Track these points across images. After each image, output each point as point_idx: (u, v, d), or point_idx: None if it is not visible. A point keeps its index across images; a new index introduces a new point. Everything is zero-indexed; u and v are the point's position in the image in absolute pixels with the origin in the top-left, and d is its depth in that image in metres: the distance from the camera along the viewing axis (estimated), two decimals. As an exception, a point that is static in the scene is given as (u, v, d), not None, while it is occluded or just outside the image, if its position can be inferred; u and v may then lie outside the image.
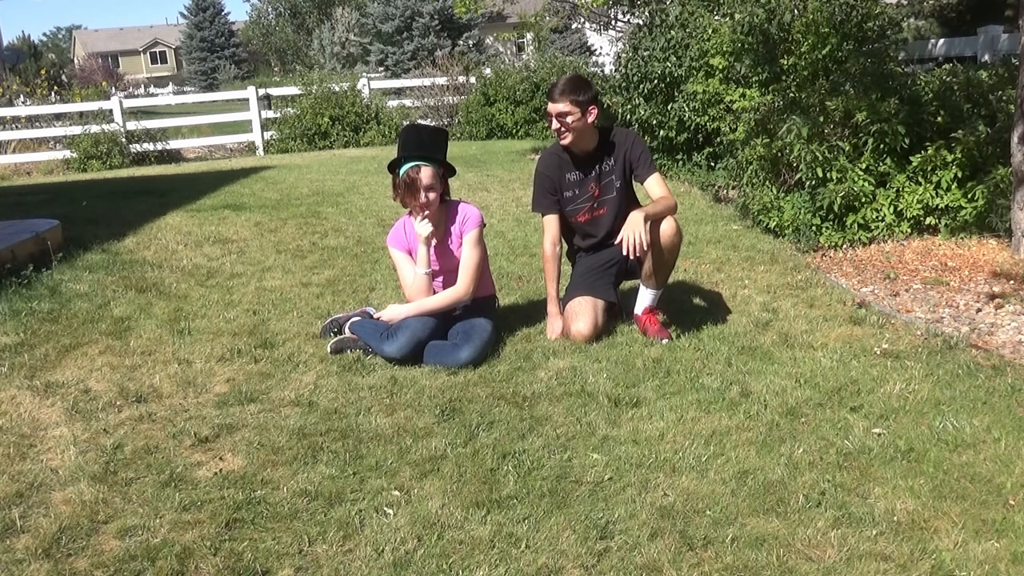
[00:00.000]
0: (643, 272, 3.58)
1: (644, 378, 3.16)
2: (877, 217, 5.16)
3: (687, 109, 7.71)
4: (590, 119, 3.57)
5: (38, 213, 6.30)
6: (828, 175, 5.14)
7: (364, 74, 20.59)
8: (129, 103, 14.91)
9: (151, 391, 3.18)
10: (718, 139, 7.37)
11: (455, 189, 7.48)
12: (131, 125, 12.52)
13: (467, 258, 3.54)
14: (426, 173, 3.43)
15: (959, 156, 5.01)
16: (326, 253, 5.23)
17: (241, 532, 2.24)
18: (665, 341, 3.51)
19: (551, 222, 3.70)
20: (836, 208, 5.08)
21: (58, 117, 14.38)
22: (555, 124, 3.55)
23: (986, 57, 8.22)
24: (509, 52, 22.20)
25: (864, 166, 5.20)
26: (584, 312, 3.57)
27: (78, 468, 2.58)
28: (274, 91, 14.41)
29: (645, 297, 3.62)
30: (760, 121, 5.94)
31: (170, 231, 5.89)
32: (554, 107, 3.52)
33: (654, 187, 3.59)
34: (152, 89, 36.64)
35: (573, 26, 21.78)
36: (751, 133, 5.96)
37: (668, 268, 3.57)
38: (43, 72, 26.40)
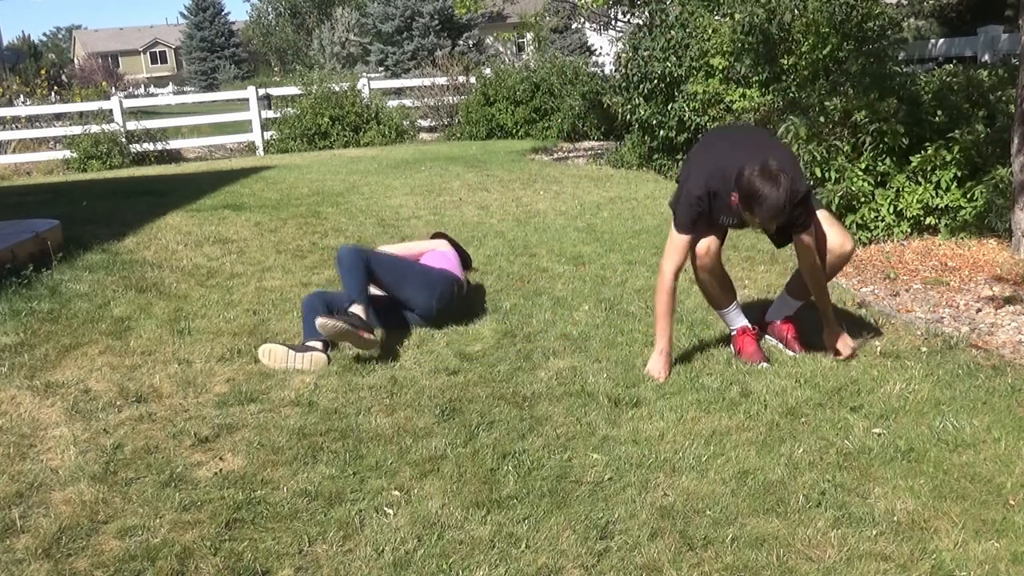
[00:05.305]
0: (792, 283, 3.46)
1: (644, 378, 3.16)
2: (877, 217, 5.16)
3: (687, 109, 7.71)
4: None
5: (38, 213, 6.28)
6: (826, 175, 5.14)
7: (364, 74, 20.58)
8: (129, 103, 14.89)
9: (151, 391, 3.18)
10: (718, 139, 7.36)
11: (455, 189, 7.54)
12: (131, 125, 12.50)
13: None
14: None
15: (958, 156, 5.01)
16: (326, 253, 5.22)
17: (241, 532, 2.24)
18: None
19: (686, 244, 3.22)
20: (835, 208, 5.08)
21: (58, 117, 14.37)
22: (767, 225, 3.17)
23: (986, 57, 8.22)
24: (509, 52, 22.23)
25: (863, 166, 5.20)
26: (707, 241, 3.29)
27: (78, 468, 2.58)
28: (274, 91, 14.39)
29: (787, 307, 3.49)
30: (760, 121, 5.94)
31: (170, 231, 5.89)
32: (777, 222, 3.11)
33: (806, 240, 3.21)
34: (152, 89, 36.56)
35: (573, 26, 21.80)
36: (751, 133, 5.96)
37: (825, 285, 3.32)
38: (43, 72, 26.36)
